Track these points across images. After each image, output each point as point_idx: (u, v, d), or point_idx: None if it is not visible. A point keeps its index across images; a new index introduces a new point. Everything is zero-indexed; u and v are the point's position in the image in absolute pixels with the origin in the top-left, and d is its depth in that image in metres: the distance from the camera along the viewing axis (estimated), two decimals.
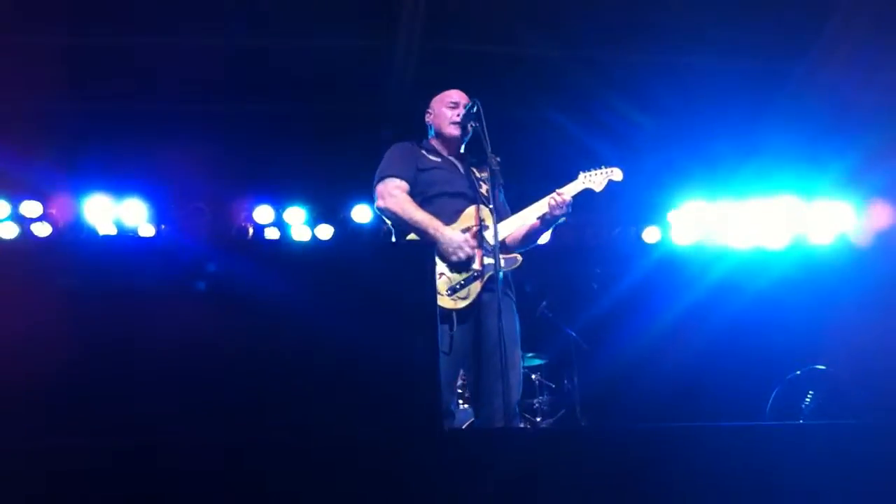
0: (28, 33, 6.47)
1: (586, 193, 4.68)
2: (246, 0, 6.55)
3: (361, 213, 7.93)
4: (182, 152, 7.05)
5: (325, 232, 8.01)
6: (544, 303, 7.48)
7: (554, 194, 4.49)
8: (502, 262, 4.23)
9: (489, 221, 4.33)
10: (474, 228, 4.35)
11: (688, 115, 7.58)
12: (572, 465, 2.73)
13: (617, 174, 4.70)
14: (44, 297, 2.79)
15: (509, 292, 4.39)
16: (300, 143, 7.67)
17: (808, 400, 6.54)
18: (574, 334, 7.55)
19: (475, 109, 4.42)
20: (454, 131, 4.59)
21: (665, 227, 8.53)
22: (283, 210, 7.95)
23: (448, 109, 4.62)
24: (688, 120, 7.66)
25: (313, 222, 8.02)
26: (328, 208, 8.07)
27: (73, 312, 2.79)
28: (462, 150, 4.71)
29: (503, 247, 4.33)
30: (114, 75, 6.99)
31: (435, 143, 4.70)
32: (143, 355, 2.75)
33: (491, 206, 4.34)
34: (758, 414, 6.68)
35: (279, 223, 7.95)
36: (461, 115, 4.56)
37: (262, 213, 7.89)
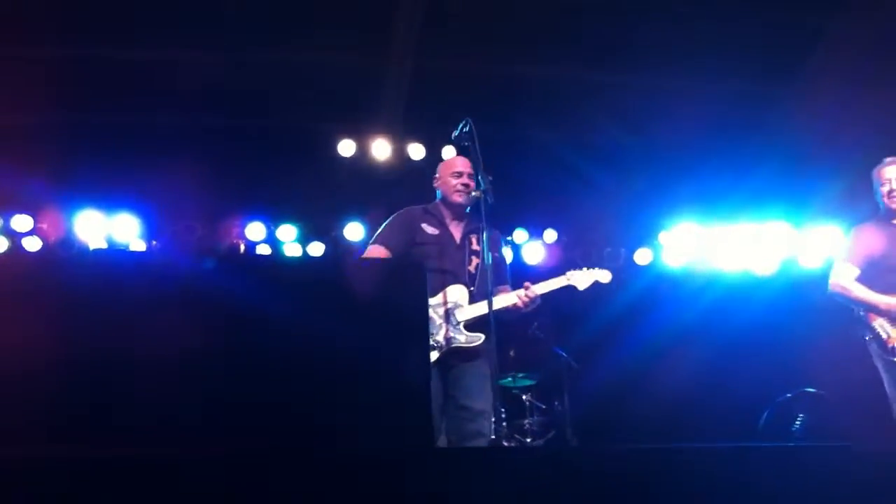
0: (19, 47, 6.48)
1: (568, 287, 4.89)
2: (240, 16, 6.57)
3: (353, 231, 7.94)
4: (174, 168, 7.04)
5: (317, 250, 8.02)
6: (535, 323, 7.48)
7: (523, 291, 4.67)
8: (464, 339, 4.54)
9: (463, 300, 4.62)
10: (445, 307, 4.59)
11: (679, 137, 7.63)
12: (561, 486, 2.72)
13: (605, 276, 4.93)
14: (34, 312, 2.77)
15: (477, 362, 4.59)
16: (292, 159, 7.69)
17: (798, 423, 6.54)
18: (565, 355, 7.54)
19: (467, 128, 4.48)
20: (459, 199, 4.81)
21: (657, 249, 8.56)
22: (276, 227, 7.96)
23: (453, 178, 4.83)
24: (679, 142, 7.70)
25: (305, 240, 8.04)
26: (320, 226, 8.09)
27: (64, 328, 2.78)
28: (468, 211, 4.90)
29: (476, 326, 4.57)
30: (106, 90, 7.00)
31: (442, 206, 4.92)
32: (134, 371, 2.74)
33: (472, 289, 4.64)
34: (748, 436, 6.68)
35: (271, 240, 7.96)
36: (466, 185, 4.77)
37: (254, 230, 7.90)
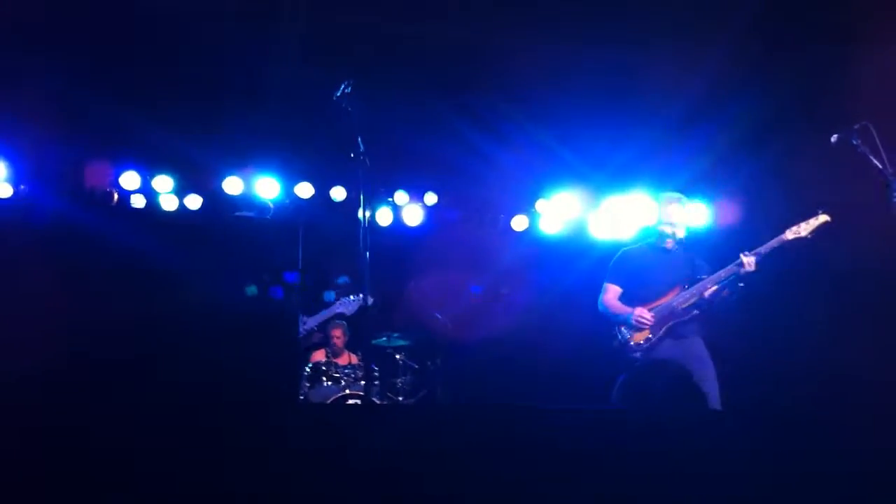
0: None
1: None
2: None
3: (232, 185, 7.78)
4: (45, 109, 6.74)
5: (194, 202, 7.81)
6: (411, 283, 7.57)
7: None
8: None
9: None
10: None
11: (560, 105, 7.74)
12: (429, 441, 2.81)
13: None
14: None
15: None
16: (172, 107, 7.43)
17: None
18: (440, 316, 7.68)
19: (349, 90, 4.49)
20: None
21: (534, 217, 8.75)
22: (151, 177, 7.71)
23: None
24: (560, 111, 7.82)
25: (181, 192, 7.82)
26: (198, 178, 7.88)
27: None
28: None
29: None
30: None
31: None
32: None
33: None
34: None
35: (146, 190, 7.70)
36: None
37: (129, 179, 7.63)
